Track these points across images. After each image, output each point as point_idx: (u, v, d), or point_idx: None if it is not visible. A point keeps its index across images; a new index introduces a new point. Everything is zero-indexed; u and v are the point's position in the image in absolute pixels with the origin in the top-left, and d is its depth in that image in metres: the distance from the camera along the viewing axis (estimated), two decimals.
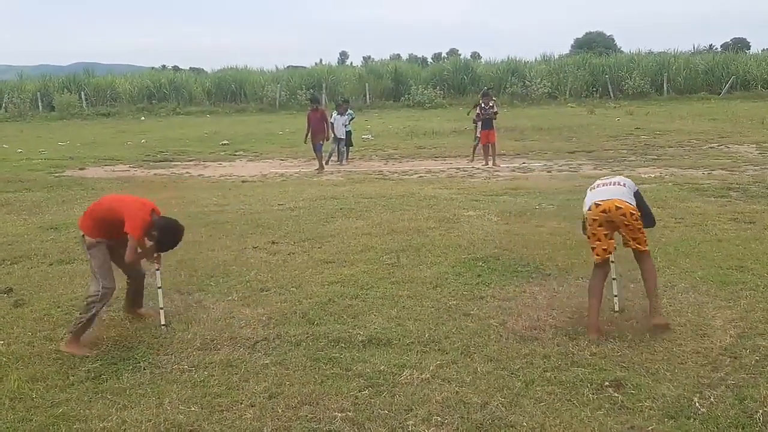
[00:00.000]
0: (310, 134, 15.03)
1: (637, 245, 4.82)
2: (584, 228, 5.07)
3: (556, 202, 9.54)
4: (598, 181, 5.18)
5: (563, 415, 3.60)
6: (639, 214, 4.81)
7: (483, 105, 15.15)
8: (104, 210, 4.88)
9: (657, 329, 4.64)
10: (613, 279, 5.13)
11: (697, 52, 44.82)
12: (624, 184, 5.01)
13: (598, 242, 4.80)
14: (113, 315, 5.36)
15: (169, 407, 3.82)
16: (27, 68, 62.00)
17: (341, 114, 16.28)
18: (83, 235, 4.89)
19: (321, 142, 15.01)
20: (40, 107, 37.66)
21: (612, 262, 5.10)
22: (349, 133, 16.45)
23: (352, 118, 17.07)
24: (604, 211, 4.77)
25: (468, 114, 16.16)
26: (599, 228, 4.80)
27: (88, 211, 4.99)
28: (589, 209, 4.88)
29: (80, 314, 4.74)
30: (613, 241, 4.86)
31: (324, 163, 15.25)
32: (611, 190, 4.93)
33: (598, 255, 4.81)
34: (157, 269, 5.03)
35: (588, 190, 5.14)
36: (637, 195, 5.00)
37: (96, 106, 38.07)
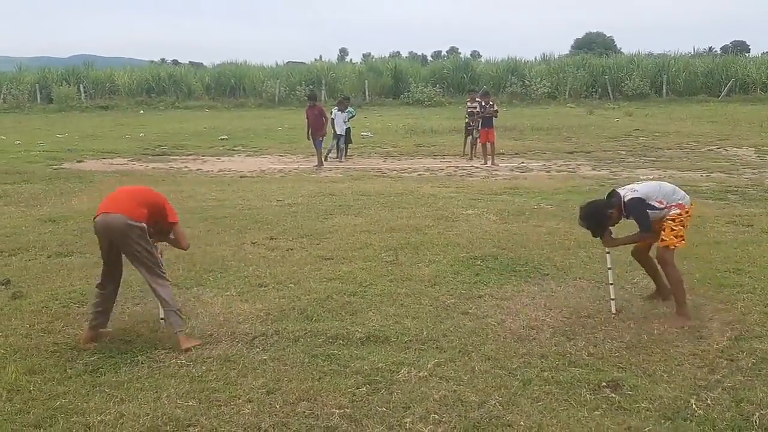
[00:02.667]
0: (310, 131, 15.06)
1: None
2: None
3: (555, 202, 9.55)
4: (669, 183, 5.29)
5: (560, 415, 3.61)
6: None
7: (482, 103, 15.19)
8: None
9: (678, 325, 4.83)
10: (610, 284, 5.15)
11: (696, 55, 44.85)
12: None
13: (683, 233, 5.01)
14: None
15: (167, 401, 3.82)
16: (26, 60, 61.75)
17: (341, 110, 16.28)
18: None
19: (321, 138, 15.01)
20: (39, 99, 37.50)
21: (609, 268, 5.15)
22: (348, 130, 16.46)
23: (353, 116, 17.07)
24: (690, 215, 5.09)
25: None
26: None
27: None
28: (690, 204, 5.10)
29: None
30: None
31: (323, 159, 15.26)
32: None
33: (681, 239, 5.00)
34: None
35: (655, 185, 5.17)
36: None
37: (95, 99, 37.94)
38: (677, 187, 5.15)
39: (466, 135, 16.14)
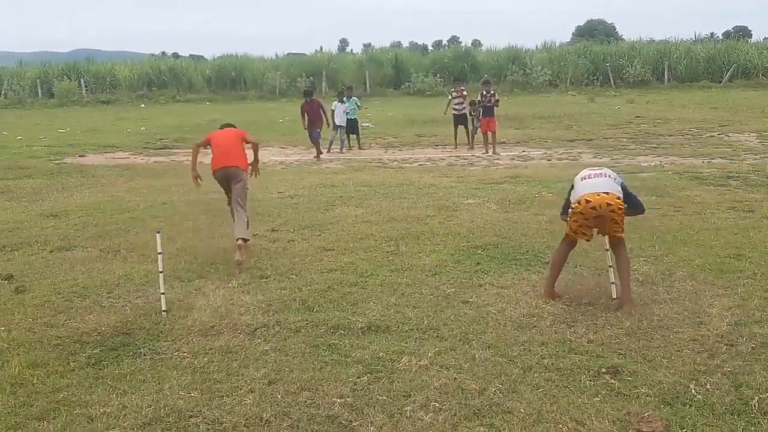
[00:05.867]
0: (307, 123, 15.06)
1: (614, 234, 4.97)
2: (564, 211, 5.26)
3: (556, 191, 9.51)
4: (587, 171, 5.20)
5: (560, 401, 3.62)
6: (624, 206, 4.93)
7: (483, 92, 15.17)
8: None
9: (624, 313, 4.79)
10: (609, 267, 5.16)
11: (698, 41, 44.67)
12: (611, 176, 5.09)
13: (579, 228, 4.99)
14: (113, 301, 5.38)
15: (169, 393, 3.84)
16: (26, 55, 61.79)
17: (342, 101, 16.28)
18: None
19: (318, 131, 15.02)
20: (40, 94, 37.56)
21: (607, 250, 5.17)
22: (355, 121, 16.45)
23: (359, 106, 17.00)
24: (593, 208, 4.86)
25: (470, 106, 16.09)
26: (584, 221, 4.94)
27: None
28: (578, 202, 4.93)
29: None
30: (594, 229, 5.03)
31: (326, 150, 15.27)
32: (602, 183, 4.98)
33: (573, 233, 5.04)
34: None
35: (577, 178, 5.16)
36: (624, 187, 5.09)
37: (96, 93, 38.00)
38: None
39: (455, 126, 16.02)
